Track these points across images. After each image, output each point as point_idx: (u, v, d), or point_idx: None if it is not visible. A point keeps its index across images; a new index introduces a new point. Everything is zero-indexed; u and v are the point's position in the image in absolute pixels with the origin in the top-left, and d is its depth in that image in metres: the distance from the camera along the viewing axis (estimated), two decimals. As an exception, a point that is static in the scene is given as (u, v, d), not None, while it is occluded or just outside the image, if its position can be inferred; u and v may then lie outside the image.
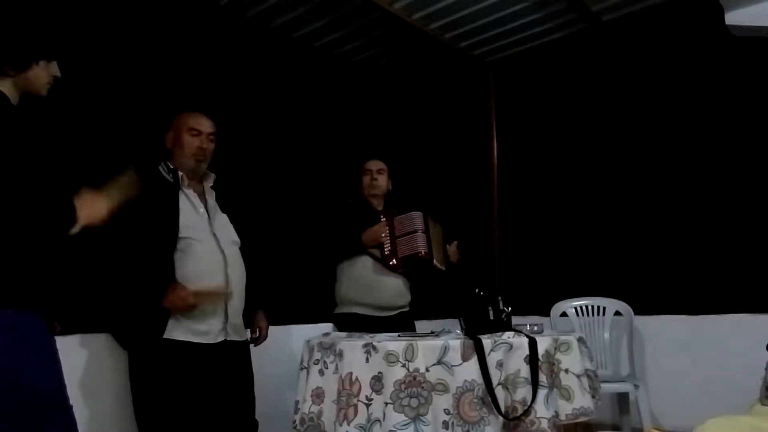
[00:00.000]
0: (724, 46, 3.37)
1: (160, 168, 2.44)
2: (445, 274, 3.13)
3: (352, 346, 2.14)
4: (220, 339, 2.34)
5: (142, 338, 2.25)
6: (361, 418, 2.01)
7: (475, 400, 2.00)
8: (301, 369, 2.36)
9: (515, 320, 2.39)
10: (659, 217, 3.67)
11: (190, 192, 2.42)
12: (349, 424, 2.01)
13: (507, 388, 2.06)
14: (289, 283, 3.31)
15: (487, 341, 2.08)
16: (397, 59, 4.20)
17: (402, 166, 3.56)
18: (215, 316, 2.32)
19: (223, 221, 2.48)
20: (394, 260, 3.00)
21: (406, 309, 3.17)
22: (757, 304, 3.21)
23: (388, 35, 3.86)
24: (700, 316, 3.41)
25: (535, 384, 2.06)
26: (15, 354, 1.55)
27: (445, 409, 1.99)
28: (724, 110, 3.48)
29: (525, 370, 2.07)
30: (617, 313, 3.55)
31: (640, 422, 3.13)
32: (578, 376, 2.18)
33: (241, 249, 2.49)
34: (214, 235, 2.38)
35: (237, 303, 2.40)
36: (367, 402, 2.03)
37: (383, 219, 3.08)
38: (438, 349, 2.04)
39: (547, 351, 2.14)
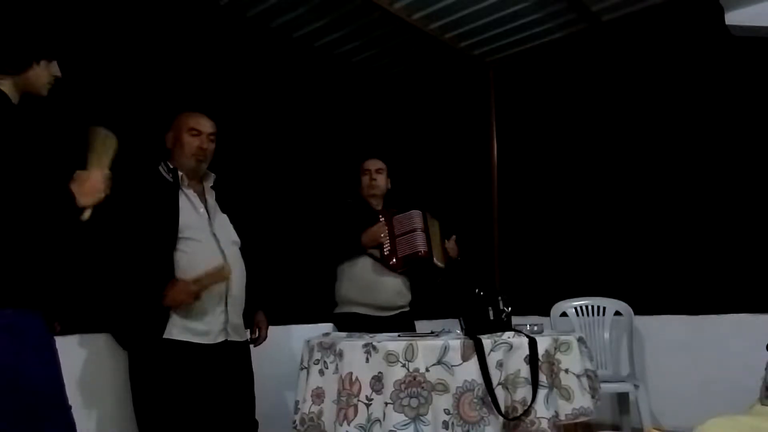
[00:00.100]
0: (724, 46, 3.37)
1: (160, 168, 2.44)
2: (445, 271, 3.13)
3: (352, 346, 2.14)
4: (221, 339, 2.34)
5: (142, 338, 2.25)
6: (361, 418, 2.01)
7: (475, 400, 2.00)
8: (301, 369, 2.36)
9: (515, 320, 2.39)
10: (659, 217, 3.67)
11: (190, 192, 2.42)
12: (349, 424, 2.01)
13: (507, 388, 2.06)
14: (289, 283, 3.30)
15: (487, 341, 2.08)
16: (397, 59, 4.20)
17: (402, 167, 3.56)
18: (215, 316, 2.32)
19: (223, 221, 2.48)
20: (393, 260, 2.99)
21: (406, 309, 3.17)
22: (757, 304, 3.21)
23: (388, 35, 3.86)
24: (700, 316, 3.41)
25: (535, 384, 2.06)
26: (15, 354, 1.55)
27: (445, 409, 1.99)
28: (724, 110, 3.48)
29: (525, 370, 2.07)
30: (617, 313, 3.55)
31: (640, 422, 3.13)
32: (578, 376, 2.18)
33: (241, 249, 2.49)
34: (214, 235, 2.38)
35: (237, 303, 2.40)
36: (367, 402, 2.03)
37: (382, 219, 3.07)
38: (438, 349, 2.04)
39: (547, 351, 2.14)
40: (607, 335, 3.54)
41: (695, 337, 3.41)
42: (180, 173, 2.41)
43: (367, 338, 2.23)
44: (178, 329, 2.24)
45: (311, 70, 3.88)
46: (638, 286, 3.63)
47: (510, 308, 2.35)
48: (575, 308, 3.61)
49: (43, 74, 1.73)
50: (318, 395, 2.20)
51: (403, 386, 1.99)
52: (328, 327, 3.15)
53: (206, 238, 2.35)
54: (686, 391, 3.34)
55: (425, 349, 2.04)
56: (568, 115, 4.13)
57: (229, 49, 3.36)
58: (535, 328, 2.33)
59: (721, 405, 1.83)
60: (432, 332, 2.41)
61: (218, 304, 2.32)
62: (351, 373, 2.08)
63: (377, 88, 4.33)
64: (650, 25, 3.66)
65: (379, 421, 1.98)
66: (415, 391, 1.98)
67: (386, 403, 1.98)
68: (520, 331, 2.23)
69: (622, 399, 3.40)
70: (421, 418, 1.96)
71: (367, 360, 2.08)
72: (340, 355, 2.15)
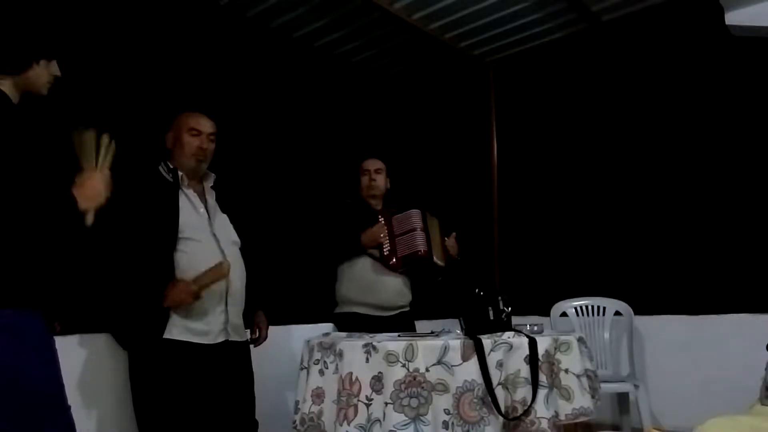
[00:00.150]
0: (724, 46, 3.37)
1: (160, 168, 2.44)
2: (446, 270, 3.13)
3: (352, 346, 2.14)
4: (221, 339, 2.34)
5: (143, 338, 2.25)
6: (361, 418, 2.01)
7: (475, 400, 2.00)
8: (301, 369, 2.36)
9: (515, 320, 2.39)
10: (659, 217, 3.67)
11: (190, 192, 2.42)
12: (349, 424, 2.01)
13: (507, 388, 2.06)
14: (289, 283, 3.30)
15: (487, 341, 2.08)
16: (397, 59, 4.20)
17: (402, 167, 3.56)
18: (216, 315, 2.32)
19: (223, 221, 2.48)
20: (393, 260, 3.00)
21: (407, 309, 3.17)
22: (757, 304, 3.21)
23: (388, 35, 3.86)
24: (700, 316, 3.41)
25: (535, 384, 2.06)
26: (15, 354, 1.55)
27: (445, 409, 1.99)
28: (724, 110, 3.48)
29: (525, 370, 2.07)
30: (617, 313, 3.55)
31: (640, 422, 3.13)
32: (578, 376, 2.18)
33: (241, 249, 2.49)
34: (214, 235, 2.38)
35: (237, 303, 2.40)
36: (367, 402, 2.03)
37: (381, 219, 3.07)
38: (438, 349, 2.04)
39: (547, 351, 2.14)
40: (607, 335, 3.54)
41: (695, 337, 3.41)
42: (180, 173, 2.41)
43: (367, 338, 2.23)
44: (178, 329, 2.24)
45: (311, 70, 3.88)
46: (638, 286, 3.63)
47: (510, 308, 2.35)
48: (575, 308, 3.61)
49: (43, 74, 1.74)
50: (318, 395, 2.20)
51: (403, 386, 1.99)
52: (328, 327, 3.15)
53: (206, 238, 2.35)
54: (686, 391, 3.34)
55: (425, 349, 2.04)
56: (568, 115, 4.13)
57: (229, 49, 3.36)
58: (535, 328, 2.33)
59: (721, 405, 1.82)
60: (432, 332, 2.41)
61: (218, 304, 2.32)
62: (351, 373, 2.08)
63: (377, 88, 4.33)
64: (650, 25, 3.66)
65: (379, 421, 1.98)
66: (415, 391, 1.98)
67: (386, 403, 1.98)
68: (520, 331, 2.23)
69: (622, 399, 3.39)
70: (421, 418, 1.96)
71: (367, 360, 2.07)
72: (340, 355, 2.15)
